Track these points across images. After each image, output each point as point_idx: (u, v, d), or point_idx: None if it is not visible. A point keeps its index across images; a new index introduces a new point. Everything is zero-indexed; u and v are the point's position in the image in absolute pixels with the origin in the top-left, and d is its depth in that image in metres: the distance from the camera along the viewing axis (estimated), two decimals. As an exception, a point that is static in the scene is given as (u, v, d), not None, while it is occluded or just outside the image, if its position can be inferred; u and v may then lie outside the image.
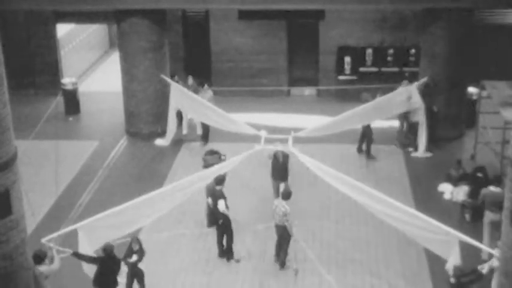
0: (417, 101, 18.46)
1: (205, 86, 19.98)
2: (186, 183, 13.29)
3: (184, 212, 15.84)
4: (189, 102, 18.86)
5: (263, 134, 15.66)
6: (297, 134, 15.73)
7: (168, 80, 19.56)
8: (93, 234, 12.21)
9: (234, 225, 14.43)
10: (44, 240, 11.91)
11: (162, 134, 20.27)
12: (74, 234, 12.32)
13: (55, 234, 12.11)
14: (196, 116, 19.62)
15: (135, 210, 12.61)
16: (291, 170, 16.01)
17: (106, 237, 12.37)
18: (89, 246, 12.22)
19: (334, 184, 13.39)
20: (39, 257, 11.66)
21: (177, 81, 20.09)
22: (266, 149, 15.28)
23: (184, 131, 20.58)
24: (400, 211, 12.12)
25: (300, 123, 20.98)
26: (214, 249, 14.74)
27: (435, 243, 11.93)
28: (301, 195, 16.77)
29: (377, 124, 20.03)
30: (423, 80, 18.99)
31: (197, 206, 15.82)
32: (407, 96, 18.44)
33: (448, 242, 11.57)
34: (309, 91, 23.98)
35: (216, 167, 14.16)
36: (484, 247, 12.10)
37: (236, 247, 14.66)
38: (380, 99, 18.16)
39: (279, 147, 15.42)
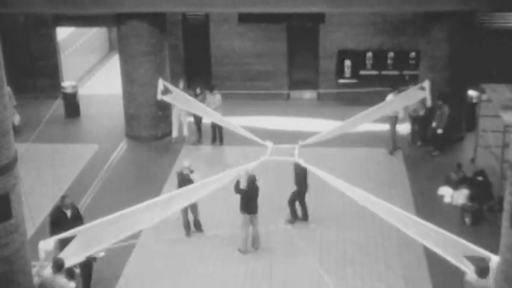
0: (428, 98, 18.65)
1: (214, 90, 19.88)
2: (186, 193, 13.29)
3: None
4: (192, 108, 18.82)
5: (269, 145, 15.55)
6: (303, 143, 15.68)
7: (169, 85, 19.53)
8: (92, 239, 12.18)
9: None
10: (41, 243, 11.90)
11: (162, 137, 20.29)
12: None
13: (56, 237, 12.11)
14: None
15: (133, 216, 12.57)
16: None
17: (105, 240, 12.37)
18: (83, 251, 12.16)
19: (345, 192, 13.38)
20: (59, 266, 11.42)
21: (182, 88, 20.06)
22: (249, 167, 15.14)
23: (185, 133, 20.47)
24: (408, 221, 12.06)
25: (300, 127, 21.05)
26: (214, 253, 14.77)
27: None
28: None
29: (377, 127, 20.07)
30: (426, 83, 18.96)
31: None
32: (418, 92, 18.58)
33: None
34: (309, 94, 23.99)
35: (218, 176, 14.11)
36: (485, 252, 12.01)
37: (237, 249, 14.75)
38: (382, 103, 18.18)
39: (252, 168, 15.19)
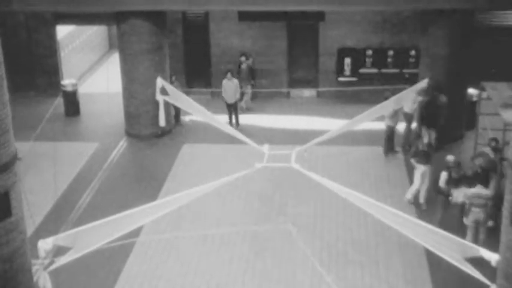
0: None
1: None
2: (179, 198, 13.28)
3: (184, 214, 15.83)
4: (189, 107, 18.80)
5: (266, 149, 15.50)
6: (301, 148, 15.68)
7: (166, 83, 19.53)
8: (90, 236, 12.19)
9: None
10: (40, 242, 11.88)
11: (161, 135, 20.31)
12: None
13: (55, 237, 12.10)
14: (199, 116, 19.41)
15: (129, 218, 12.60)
16: None
17: (108, 235, 12.40)
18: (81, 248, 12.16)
19: (344, 196, 13.38)
20: None
21: (172, 82, 20.25)
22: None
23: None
24: (407, 224, 12.09)
25: (300, 125, 21.04)
26: (214, 252, 14.78)
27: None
28: (300, 197, 16.80)
29: (376, 126, 20.05)
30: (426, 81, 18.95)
31: (197, 209, 15.84)
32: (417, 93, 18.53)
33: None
34: (308, 92, 23.99)
35: (213, 183, 14.11)
36: (486, 253, 11.95)
37: (237, 249, 14.73)
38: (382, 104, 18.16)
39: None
